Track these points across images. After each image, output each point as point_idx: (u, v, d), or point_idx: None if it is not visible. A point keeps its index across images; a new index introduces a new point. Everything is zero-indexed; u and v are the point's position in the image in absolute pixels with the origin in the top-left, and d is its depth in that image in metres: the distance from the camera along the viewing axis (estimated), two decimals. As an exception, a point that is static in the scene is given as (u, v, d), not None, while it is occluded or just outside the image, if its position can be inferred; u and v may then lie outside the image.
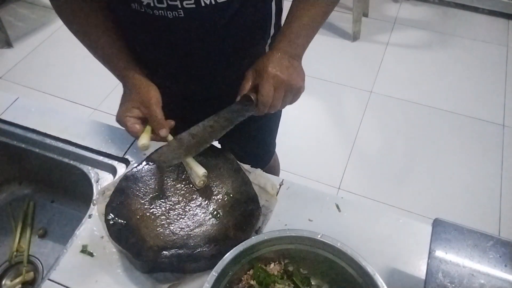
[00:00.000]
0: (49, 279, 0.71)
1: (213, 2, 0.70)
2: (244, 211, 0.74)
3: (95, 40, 0.78)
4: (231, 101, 0.79)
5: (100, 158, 0.90)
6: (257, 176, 0.83)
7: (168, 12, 0.70)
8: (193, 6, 0.69)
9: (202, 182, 0.76)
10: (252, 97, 0.76)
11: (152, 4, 0.69)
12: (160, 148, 0.76)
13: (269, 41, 0.87)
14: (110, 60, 0.80)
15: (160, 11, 0.70)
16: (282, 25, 0.80)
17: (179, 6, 0.69)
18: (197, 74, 0.86)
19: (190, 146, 0.75)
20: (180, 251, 0.68)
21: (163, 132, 0.75)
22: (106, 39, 0.78)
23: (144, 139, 0.75)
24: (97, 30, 0.77)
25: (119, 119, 0.77)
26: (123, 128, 0.77)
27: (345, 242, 0.64)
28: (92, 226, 0.78)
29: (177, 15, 0.70)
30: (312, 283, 0.70)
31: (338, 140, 2.08)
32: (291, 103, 0.80)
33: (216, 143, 0.93)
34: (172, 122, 0.77)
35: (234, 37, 0.79)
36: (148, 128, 0.76)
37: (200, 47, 0.78)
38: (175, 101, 0.94)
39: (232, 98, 0.79)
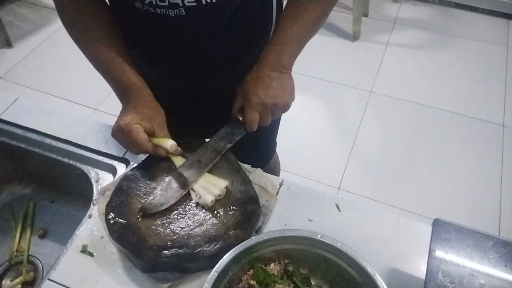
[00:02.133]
0: (49, 279, 0.71)
1: (214, 0, 0.70)
2: (245, 211, 0.74)
3: (99, 46, 0.76)
4: (231, 97, 0.79)
5: (100, 158, 0.90)
6: (257, 176, 0.83)
7: (169, 11, 0.70)
8: (194, 4, 0.69)
9: (213, 201, 0.75)
10: (240, 119, 0.80)
11: (154, 3, 0.69)
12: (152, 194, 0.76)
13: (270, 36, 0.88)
14: (113, 71, 0.77)
15: (161, 10, 0.70)
16: (273, 31, 0.80)
17: (180, 5, 0.69)
18: (199, 71, 0.86)
19: (178, 187, 0.76)
20: (180, 251, 0.68)
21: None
22: (111, 47, 0.76)
23: (170, 140, 0.75)
24: (101, 35, 0.76)
25: (125, 126, 0.73)
26: (120, 137, 0.75)
27: (345, 242, 0.64)
28: (92, 226, 0.78)
29: (178, 13, 0.70)
30: (312, 283, 0.70)
31: (338, 140, 2.08)
32: (281, 114, 0.82)
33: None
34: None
35: (236, 34, 0.79)
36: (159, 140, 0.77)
37: (202, 44, 0.78)
38: (177, 98, 0.95)
39: (232, 94, 0.79)
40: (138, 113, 0.75)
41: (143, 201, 0.75)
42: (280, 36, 0.77)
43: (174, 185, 0.76)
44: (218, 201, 0.75)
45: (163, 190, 0.75)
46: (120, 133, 0.74)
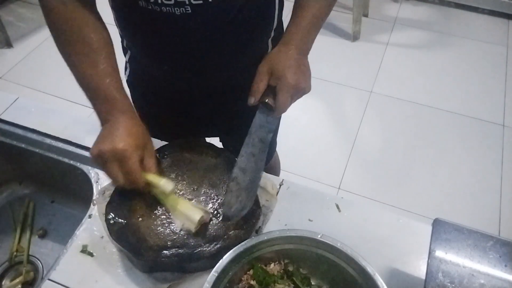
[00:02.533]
0: (49, 279, 0.71)
1: None
2: (244, 211, 0.74)
3: (88, 59, 0.72)
4: (233, 95, 0.78)
5: (100, 158, 0.89)
6: (257, 176, 0.83)
7: (175, 9, 0.70)
8: (200, 2, 0.70)
9: (196, 226, 0.70)
10: (270, 103, 0.74)
11: (159, 1, 0.69)
12: (224, 199, 0.71)
13: (272, 34, 0.87)
14: (103, 87, 0.72)
15: (167, 8, 0.70)
16: (291, 17, 0.80)
17: (187, 3, 0.69)
18: (202, 69, 0.86)
19: (248, 186, 0.71)
20: (181, 251, 0.68)
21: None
22: (102, 62, 0.72)
23: (164, 180, 0.70)
24: (91, 49, 0.72)
25: (123, 152, 0.65)
26: (110, 162, 0.67)
27: (345, 242, 0.64)
28: (92, 226, 0.78)
29: (184, 11, 0.71)
30: (312, 283, 0.70)
31: (338, 140, 2.08)
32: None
33: (217, 142, 0.93)
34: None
35: (240, 31, 0.79)
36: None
37: (206, 42, 0.78)
38: (178, 97, 0.94)
39: (234, 92, 0.79)
40: (134, 138, 0.68)
41: (143, 200, 0.75)
42: (303, 20, 0.77)
43: (242, 183, 0.71)
44: (216, 201, 0.76)
45: (231, 192, 0.70)
46: (112, 157, 0.66)
